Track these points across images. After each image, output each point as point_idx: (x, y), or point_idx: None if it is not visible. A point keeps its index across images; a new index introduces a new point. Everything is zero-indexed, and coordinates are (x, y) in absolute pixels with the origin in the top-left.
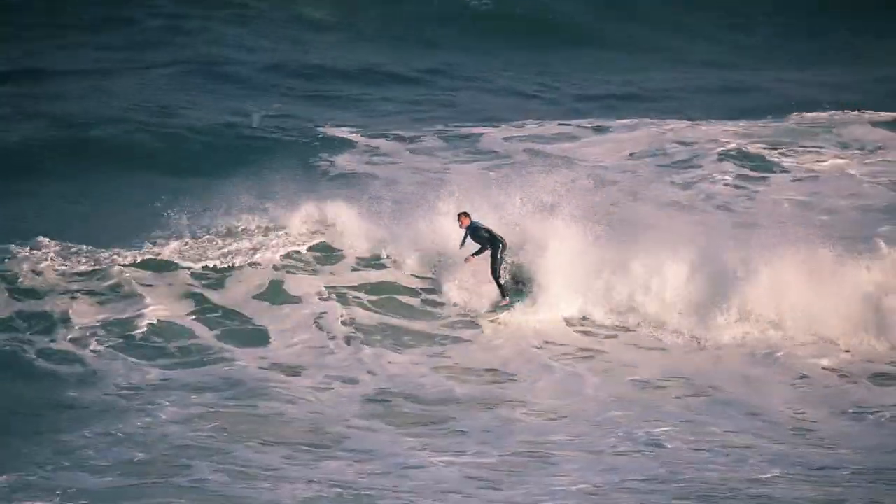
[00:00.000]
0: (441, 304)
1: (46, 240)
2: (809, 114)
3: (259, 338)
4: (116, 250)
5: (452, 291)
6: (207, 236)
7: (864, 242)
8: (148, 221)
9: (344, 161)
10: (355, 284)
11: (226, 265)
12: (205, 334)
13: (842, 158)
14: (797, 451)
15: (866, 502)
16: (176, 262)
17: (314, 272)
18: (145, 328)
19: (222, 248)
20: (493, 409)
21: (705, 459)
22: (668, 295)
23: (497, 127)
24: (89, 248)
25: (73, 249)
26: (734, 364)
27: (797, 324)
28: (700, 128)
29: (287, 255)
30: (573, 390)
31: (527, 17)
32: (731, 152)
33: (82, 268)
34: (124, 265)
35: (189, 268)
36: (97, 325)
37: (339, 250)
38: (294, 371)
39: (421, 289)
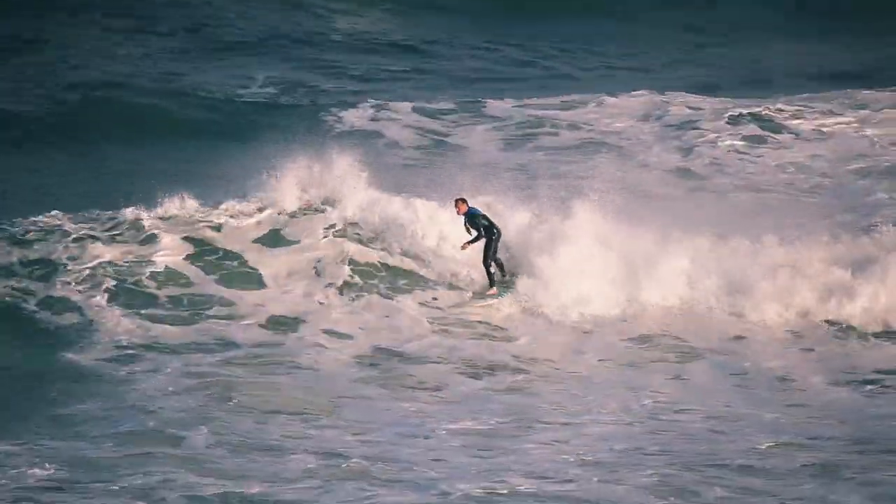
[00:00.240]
0: (441, 257)
1: (59, 213)
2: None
3: (257, 283)
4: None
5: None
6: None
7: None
8: (152, 186)
9: (350, 120)
10: (357, 233)
11: (231, 216)
12: (202, 280)
13: (853, 120)
14: (789, 421)
15: (858, 471)
16: (179, 214)
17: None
18: (146, 274)
19: (227, 208)
20: (489, 373)
21: (696, 429)
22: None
23: (501, 99)
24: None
25: (83, 216)
26: (724, 329)
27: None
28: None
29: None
30: (570, 353)
31: None
32: (743, 116)
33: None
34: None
35: (193, 219)
36: (99, 271)
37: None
38: (291, 327)
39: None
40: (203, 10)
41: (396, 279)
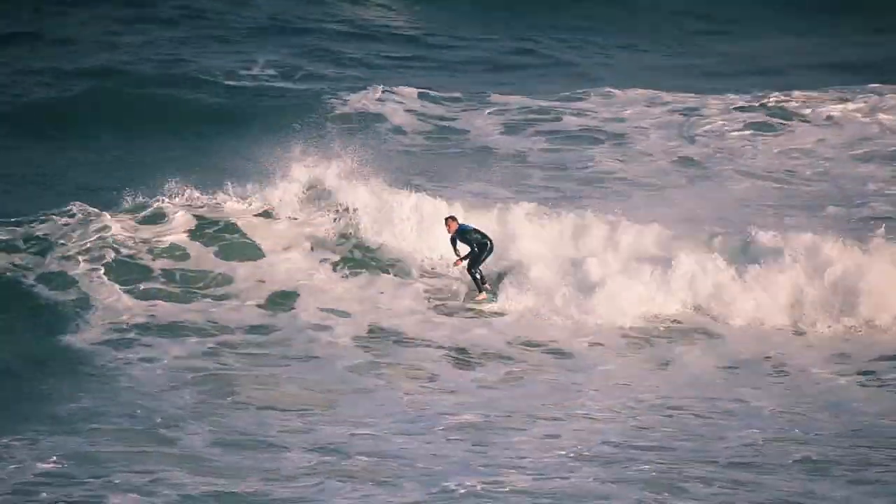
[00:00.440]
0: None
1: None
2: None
3: (255, 255)
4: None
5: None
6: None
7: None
8: (152, 176)
9: (354, 106)
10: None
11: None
12: (201, 254)
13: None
14: (783, 413)
15: (852, 464)
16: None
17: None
18: (145, 250)
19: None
20: (484, 362)
21: (690, 422)
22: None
23: (504, 88)
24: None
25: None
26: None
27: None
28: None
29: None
30: (565, 342)
31: None
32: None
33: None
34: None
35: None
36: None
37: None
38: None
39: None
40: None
41: (392, 264)
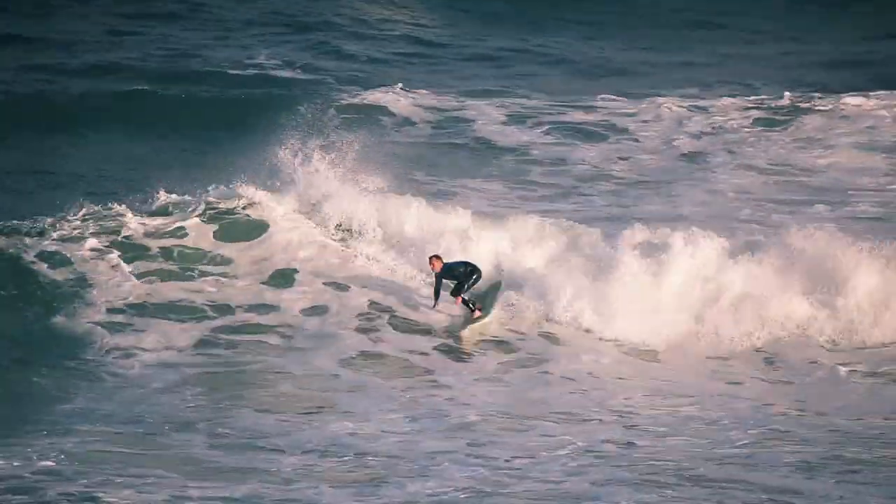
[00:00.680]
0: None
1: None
2: None
3: (253, 234)
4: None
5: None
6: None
7: None
8: (150, 176)
9: (360, 101)
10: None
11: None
12: (198, 233)
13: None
14: (771, 415)
15: (846, 463)
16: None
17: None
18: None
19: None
20: (480, 357)
21: (679, 426)
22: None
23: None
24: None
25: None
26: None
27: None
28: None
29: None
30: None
31: None
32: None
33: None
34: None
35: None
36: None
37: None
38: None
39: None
40: None
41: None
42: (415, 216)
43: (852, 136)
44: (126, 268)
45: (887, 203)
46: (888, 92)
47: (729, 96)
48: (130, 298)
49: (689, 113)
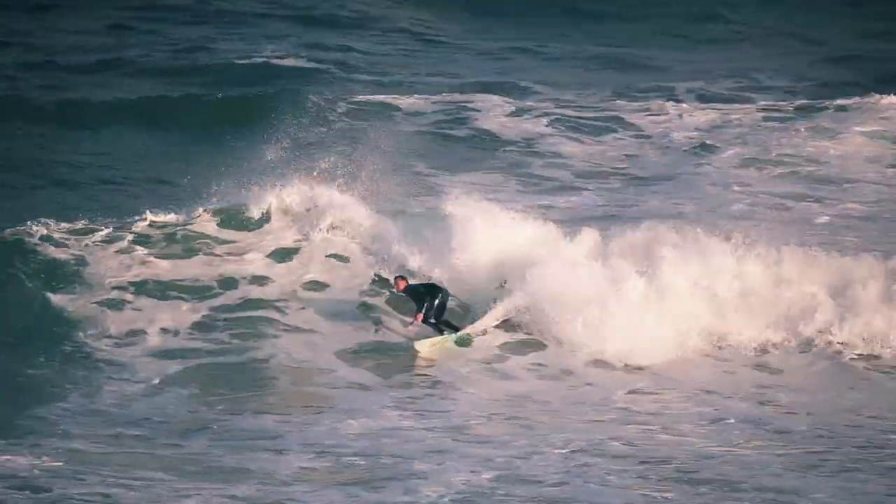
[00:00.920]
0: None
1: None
2: None
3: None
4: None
5: None
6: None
7: None
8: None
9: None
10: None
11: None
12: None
13: None
14: (764, 414)
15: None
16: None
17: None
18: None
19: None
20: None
21: (677, 425)
22: None
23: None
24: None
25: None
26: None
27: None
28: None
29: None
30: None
31: None
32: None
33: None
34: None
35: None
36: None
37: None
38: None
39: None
40: None
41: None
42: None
43: (866, 126)
44: (132, 250)
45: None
46: None
47: (738, 91)
48: (132, 277)
49: (696, 107)
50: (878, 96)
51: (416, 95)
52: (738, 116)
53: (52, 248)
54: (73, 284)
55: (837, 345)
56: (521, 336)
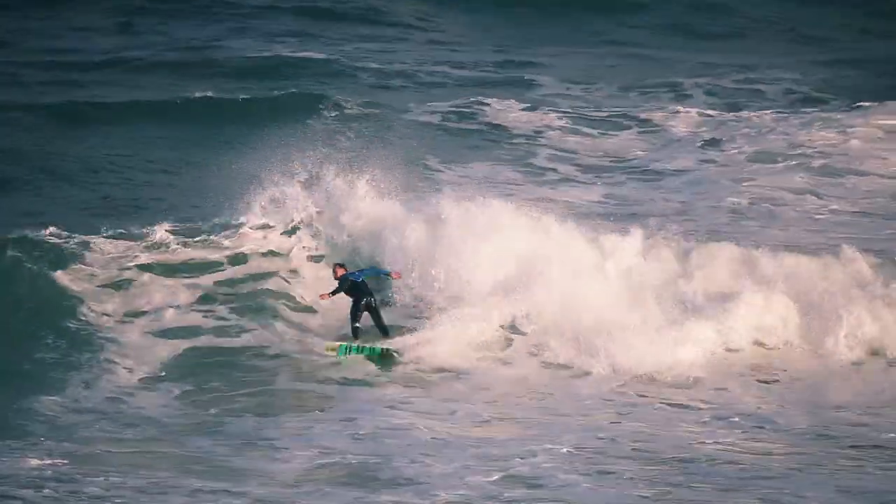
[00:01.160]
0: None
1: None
2: None
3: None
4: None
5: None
6: None
7: None
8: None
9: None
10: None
11: None
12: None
13: None
14: (768, 414)
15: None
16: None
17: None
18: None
19: None
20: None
21: (672, 419)
22: None
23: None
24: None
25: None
26: None
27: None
28: None
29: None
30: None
31: None
32: None
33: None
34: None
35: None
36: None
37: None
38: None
39: None
40: None
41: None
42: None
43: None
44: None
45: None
46: None
47: (746, 85)
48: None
49: (704, 102)
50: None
51: (424, 89)
52: (746, 112)
53: (63, 252)
54: (79, 266)
55: (842, 344)
56: (526, 335)
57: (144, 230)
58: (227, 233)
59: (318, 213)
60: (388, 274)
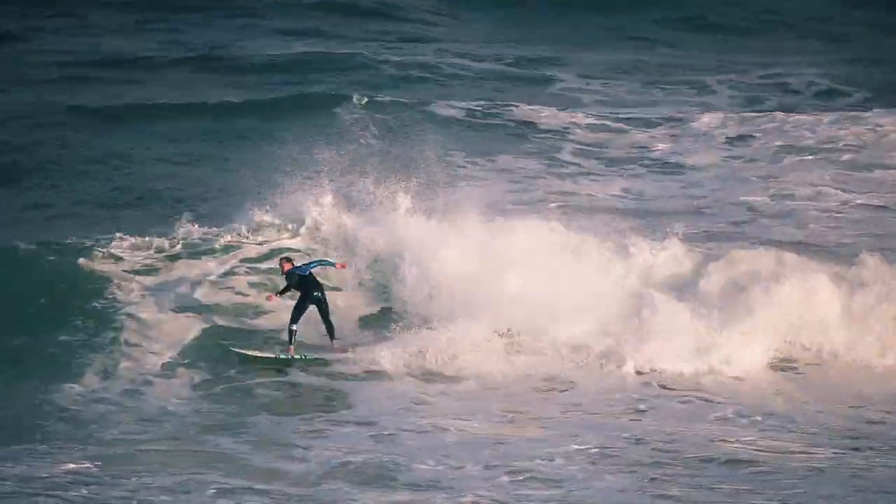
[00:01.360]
0: None
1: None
2: None
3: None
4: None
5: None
6: None
7: None
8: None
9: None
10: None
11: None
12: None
13: None
14: (780, 412)
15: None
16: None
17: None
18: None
19: None
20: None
21: (685, 415)
22: None
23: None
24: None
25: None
26: None
27: None
28: None
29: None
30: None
31: None
32: None
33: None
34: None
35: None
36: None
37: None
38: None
39: None
40: None
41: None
42: None
43: None
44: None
45: None
46: None
47: (771, 80)
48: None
49: (728, 98)
50: None
51: (446, 86)
52: (771, 109)
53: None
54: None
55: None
56: (547, 335)
57: (176, 222)
58: (250, 226)
59: (333, 205)
60: (333, 264)
